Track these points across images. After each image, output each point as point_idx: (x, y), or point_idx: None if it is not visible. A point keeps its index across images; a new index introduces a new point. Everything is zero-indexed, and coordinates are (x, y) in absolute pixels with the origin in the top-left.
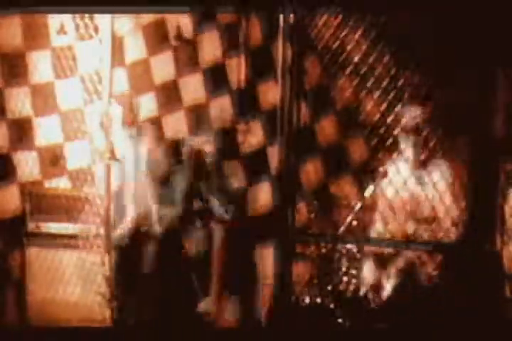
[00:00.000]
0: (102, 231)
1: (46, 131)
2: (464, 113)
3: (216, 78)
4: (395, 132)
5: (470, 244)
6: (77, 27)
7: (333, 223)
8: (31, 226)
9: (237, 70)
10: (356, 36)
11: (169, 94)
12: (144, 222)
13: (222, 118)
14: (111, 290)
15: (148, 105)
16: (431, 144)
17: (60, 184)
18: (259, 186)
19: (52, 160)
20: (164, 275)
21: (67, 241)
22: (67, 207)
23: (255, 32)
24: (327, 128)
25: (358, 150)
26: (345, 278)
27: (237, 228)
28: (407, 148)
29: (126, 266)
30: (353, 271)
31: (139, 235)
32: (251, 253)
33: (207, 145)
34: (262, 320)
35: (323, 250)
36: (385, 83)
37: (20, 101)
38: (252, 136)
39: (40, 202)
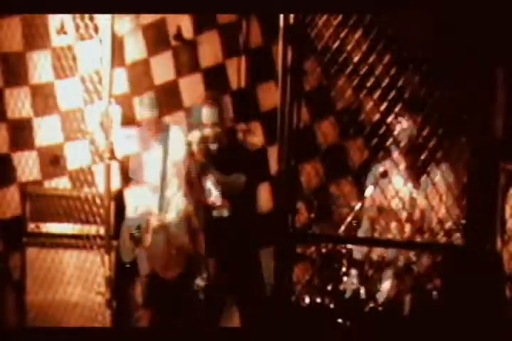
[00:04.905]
0: (102, 231)
1: (46, 131)
2: (463, 113)
3: (216, 79)
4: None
5: (470, 245)
6: (77, 27)
7: (333, 223)
8: (31, 226)
9: (237, 71)
10: (356, 36)
11: (169, 95)
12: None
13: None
14: (111, 290)
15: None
16: (430, 146)
17: (60, 184)
18: (259, 186)
19: (52, 160)
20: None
21: (67, 241)
22: (67, 207)
23: (255, 32)
24: (327, 128)
25: (357, 150)
26: (345, 278)
27: (239, 229)
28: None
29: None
30: (353, 271)
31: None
32: (252, 253)
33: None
34: (262, 320)
35: (323, 250)
36: (384, 83)
37: (20, 101)
38: (252, 137)
39: (40, 202)
